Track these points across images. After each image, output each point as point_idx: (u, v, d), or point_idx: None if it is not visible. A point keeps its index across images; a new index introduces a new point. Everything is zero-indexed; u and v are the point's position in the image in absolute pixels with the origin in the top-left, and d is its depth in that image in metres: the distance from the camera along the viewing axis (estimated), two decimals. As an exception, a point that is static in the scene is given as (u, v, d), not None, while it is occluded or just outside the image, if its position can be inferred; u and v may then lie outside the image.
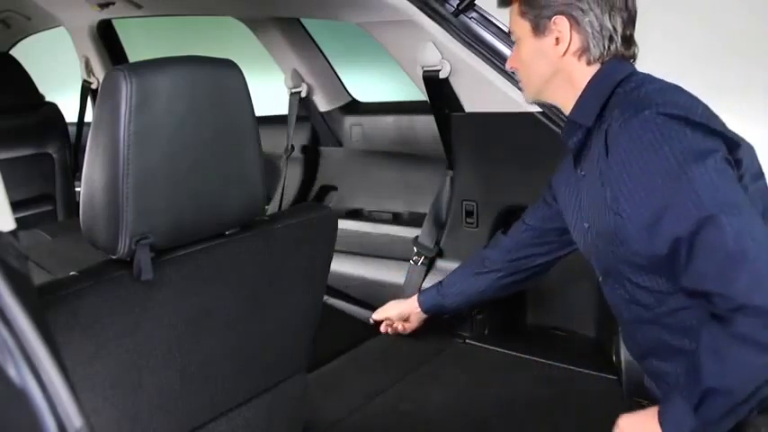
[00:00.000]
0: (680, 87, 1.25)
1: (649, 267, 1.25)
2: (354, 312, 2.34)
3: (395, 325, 2.03)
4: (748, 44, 1.74)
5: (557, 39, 1.31)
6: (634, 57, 1.35)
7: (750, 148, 1.24)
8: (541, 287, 2.19)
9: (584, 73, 1.32)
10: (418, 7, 1.97)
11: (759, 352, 1.06)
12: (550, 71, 1.34)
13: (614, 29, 1.29)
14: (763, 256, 1.07)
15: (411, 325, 2.02)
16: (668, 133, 1.14)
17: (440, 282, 1.96)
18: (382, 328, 2.06)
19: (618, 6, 1.29)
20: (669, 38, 1.78)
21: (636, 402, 1.68)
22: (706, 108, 1.22)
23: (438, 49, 2.01)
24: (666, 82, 1.27)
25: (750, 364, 1.07)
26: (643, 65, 1.83)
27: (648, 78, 1.29)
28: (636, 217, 1.19)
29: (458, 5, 1.97)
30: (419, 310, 1.97)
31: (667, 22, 1.79)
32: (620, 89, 1.28)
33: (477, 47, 1.95)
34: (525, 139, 1.97)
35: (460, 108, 2.10)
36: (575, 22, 1.29)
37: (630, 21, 1.32)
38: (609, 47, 1.30)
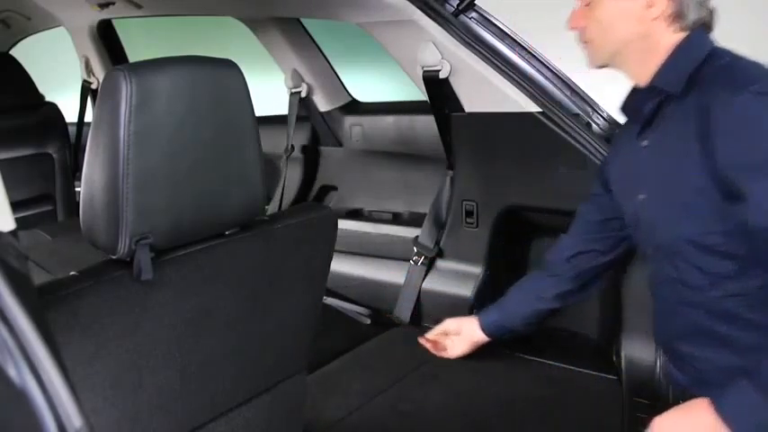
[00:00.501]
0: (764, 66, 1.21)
1: (717, 248, 1.22)
2: (354, 313, 2.34)
3: (443, 340, 1.90)
4: (749, 44, 1.74)
5: (648, 2, 1.26)
6: (712, 29, 1.30)
7: None
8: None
9: (670, 40, 1.27)
10: (418, 7, 1.97)
11: None
12: (634, 35, 1.29)
13: None
14: None
15: (458, 348, 1.87)
16: None
17: (500, 300, 1.85)
18: (423, 342, 1.92)
19: None
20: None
21: (636, 402, 1.68)
22: None
23: (438, 49, 2.01)
24: (753, 60, 1.22)
25: None
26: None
27: (736, 54, 1.24)
28: (754, 189, 1.14)
29: (458, 5, 1.97)
30: (477, 328, 1.83)
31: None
32: (710, 61, 1.23)
33: (477, 47, 1.95)
34: (525, 139, 1.97)
35: (460, 108, 2.10)
36: None
37: None
38: (701, 14, 1.26)
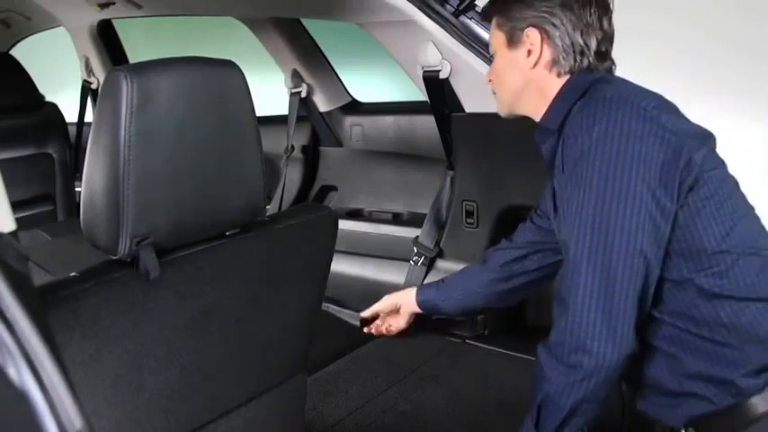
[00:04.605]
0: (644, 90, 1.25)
1: None
2: (354, 313, 2.33)
3: (383, 325, 1.99)
4: (751, 45, 1.74)
5: (528, 51, 1.31)
6: (609, 70, 1.34)
7: None
8: (541, 287, 2.19)
9: (555, 84, 1.32)
10: (418, 7, 1.96)
11: None
12: (522, 83, 1.35)
13: (586, 45, 1.29)
14: None
15: (398, 322, 1.96)
16: None
17: (442, 279, 1.92)
18: (367, 330, 2.02)
19: (593, 26, 1.29)
20: (672, 39, 1.78)
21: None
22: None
23: (438, 49, 2.00)
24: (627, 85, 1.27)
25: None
26: (643, 62, 1.83)
27: (618, 85, 1.27)
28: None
29: (458, 6, 1.97)
30: (413, 300, 1.90)
31: (671, 21, 1.79)
32: (584, 97, 1.27)
33: (477, 47, 1.95)
34: (525, 139, 1.96)
35: (460, 108, 2.10)
36: (546, 35, 1.29)
37: (607, 39, 1.31)
38: (581, 60, 1.30)
